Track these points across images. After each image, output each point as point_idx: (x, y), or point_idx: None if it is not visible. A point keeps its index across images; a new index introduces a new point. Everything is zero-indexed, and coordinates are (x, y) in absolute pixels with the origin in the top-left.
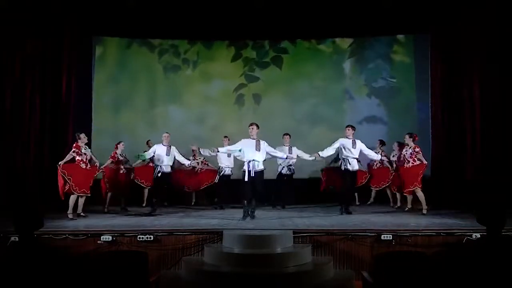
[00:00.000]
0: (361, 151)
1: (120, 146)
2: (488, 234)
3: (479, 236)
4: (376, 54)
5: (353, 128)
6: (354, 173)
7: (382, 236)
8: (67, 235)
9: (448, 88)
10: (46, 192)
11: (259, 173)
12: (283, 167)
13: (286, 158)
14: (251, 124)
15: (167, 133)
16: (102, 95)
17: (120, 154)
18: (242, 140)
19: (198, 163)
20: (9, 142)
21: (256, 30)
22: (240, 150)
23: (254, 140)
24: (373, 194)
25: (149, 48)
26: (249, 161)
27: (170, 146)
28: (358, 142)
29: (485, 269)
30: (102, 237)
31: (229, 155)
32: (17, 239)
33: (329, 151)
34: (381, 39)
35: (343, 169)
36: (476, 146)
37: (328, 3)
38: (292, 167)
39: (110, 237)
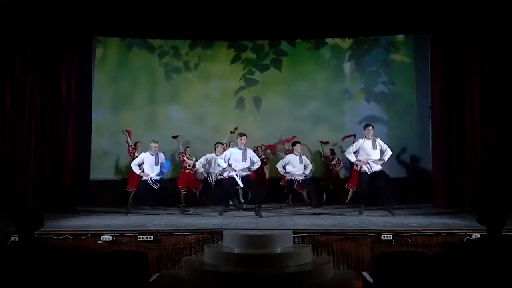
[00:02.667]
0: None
1: (188, 150)
2: (488, 234)
3: (479, 236)
4: (376, 54)
5: (372, 126)
6: (375, 174)
7: (382, 236)
8: (67, 235)
9: (448, 88)
10: (46, 192)
11: (246, 177)
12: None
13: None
14: (241, 135)
15: (155, 142)
16: (102, 95)
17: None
18: (230, 149)
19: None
20: (9, 142)
21: (255, 30)
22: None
23: (241, 150)
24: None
25: (149, 49)
26: (236, 171)
27: (157, 154)
28: (378, 141)
29: (485, 269)
30: (102, 237)
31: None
32: (17, 239)
33: (350, 157)
34: (381, 39)
35: (361, 171)
36: (476, 146)
37: (328, 3)
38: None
39: (110, 237)
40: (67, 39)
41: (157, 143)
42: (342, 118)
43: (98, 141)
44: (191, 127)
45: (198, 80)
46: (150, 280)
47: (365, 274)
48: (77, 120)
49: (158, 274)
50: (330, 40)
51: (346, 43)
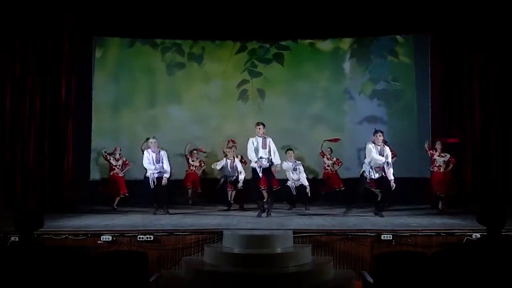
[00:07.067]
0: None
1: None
2: (488, 234)
3: (479, 236)
4: (376, 54)
5: (382, 132)
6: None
7: (382, 236)
8: (67, 235)
9: (448, 88)
10: (46, 192)
11: (267, 170)
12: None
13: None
14: (258, 124)
15: (154, 138)
16: (102, 95)
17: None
18: (249, 139)
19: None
20: (9, 142)
21: (257, 30)
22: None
23: (261, 138)
24: None
25: (150, 46)
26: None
27: (160, 151)
28: (386, 148)
29: (485, 269)
30: (102, 237)
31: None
32: (17, 239)
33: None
34: (381, 39)
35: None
36: (476, 146)
37: (328, 3)
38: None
39: (110, 237)
40: (67, 39)
41: (156, 139)
42: (342, 118)
43: (98, 141)
44: (192, 127)
45: (200, 79)
46: (150, 280)
47: (365, 274)
48: (77, 120)
49: (158, 274)
50: (330, 40)
51: (346, 43)
